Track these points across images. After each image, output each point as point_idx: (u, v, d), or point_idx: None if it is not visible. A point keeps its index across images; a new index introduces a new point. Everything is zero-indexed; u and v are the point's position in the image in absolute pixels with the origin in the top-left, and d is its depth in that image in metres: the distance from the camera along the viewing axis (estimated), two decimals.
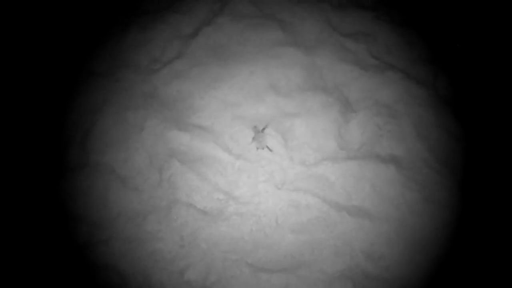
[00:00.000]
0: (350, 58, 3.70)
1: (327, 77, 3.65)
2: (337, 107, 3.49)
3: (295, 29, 3.87)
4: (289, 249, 3.30)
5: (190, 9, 3.95)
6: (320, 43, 3.82)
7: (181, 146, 3.39)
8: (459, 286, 3.11)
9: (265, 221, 3.39)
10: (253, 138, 3.51)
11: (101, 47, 3.87)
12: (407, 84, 3.66)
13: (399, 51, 3.85)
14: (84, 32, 3.88)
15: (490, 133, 3.53)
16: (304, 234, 3.34)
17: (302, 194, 3.42)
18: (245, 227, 3.38)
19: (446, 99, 3.70)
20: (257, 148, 3.50)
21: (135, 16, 3.96)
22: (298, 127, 3.60)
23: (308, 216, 3.38)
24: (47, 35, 3.83)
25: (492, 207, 3.39)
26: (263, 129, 3.54)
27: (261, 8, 3.94)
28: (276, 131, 3.56)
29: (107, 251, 3.29)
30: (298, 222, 3.37)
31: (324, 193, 3.43)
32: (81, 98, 3.65)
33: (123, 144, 3.46)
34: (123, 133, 3.46)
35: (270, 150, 3.52)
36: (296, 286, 3.15)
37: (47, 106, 3.59)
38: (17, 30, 3.80)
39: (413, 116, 3.63)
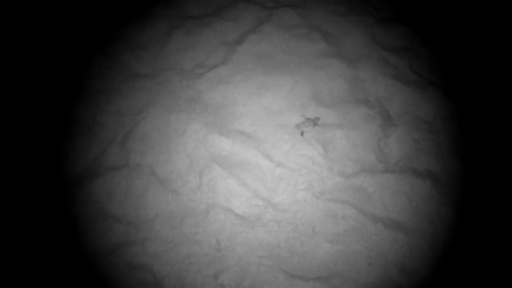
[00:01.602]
0: (392, 73, 3.88)
1: (369, 90, 3.84)
2: (378, 121, 3.67)
3: (339, 42, 4.07)
4: (324, 258, 3.42)
5: (237, 16, 4.17)
6: (364, 56, 4.01)
7: (222, 151, 3.57)
8: None
9: (302, 229, 3.50)
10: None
11: (146, 49, 4.07)
12: (447, 102, 3.69)
13: (440, 68, 3.89)
14: (128, 34, 4.05)
15: None
16: (340, 244, 3.45)
17: (340, 205, 3.55)
18: (282, 234, 3.48)
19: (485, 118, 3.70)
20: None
21: (180, 20, 4.16)
22: (338, 138, 3.78)
23: (344, 227, 3.50)
24: (91, 35, 4.02)
25: None
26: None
27: (307, 19, 4.16)
28: (317, 141, 3.72)
29: (142, 252, 3.42)
30: (334, 232, 3.48)
31: (361, 204, 3.56)
32: (124, 99, 3.86)
33: (164, 147, 3.65)
34: (165, 135, 3.67)
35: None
36: None
37: (89, 106, 3.82)
38: (62, 29, 4.01)
39: (451, 133, 3.75)
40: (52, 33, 4.12)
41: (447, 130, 3.77)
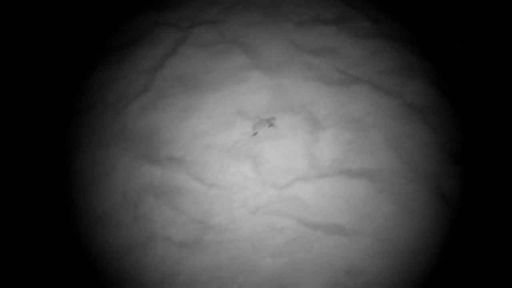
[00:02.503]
0: (315, 75, 3.91)
1: (294, 97, 3.87)
2: (305, 127, 3.67)
3: (258, 52, 4.10)
4: (269, 273, 3.39)
5: (153, 42, 4.16)
6: (285, 63, 4.04)
7: (154, 180, 3.57)
8: None
9: (243, 247, 3.48)
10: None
11: (76, 84, 4.04)
12: (374, 96, 3.73)
13: (364, 64, 3.93)
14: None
15: (463, 136, 3.63)
16: (283, 257, 3.43)
17: (277, 217, 3.54)
18: (223, 254, 3.46)
19: (416, 107, 3.72)
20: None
21: (100, 54, 4.12)
22: (268, 150, 3.78)
23: (285, 239, 3.48)
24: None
25: (472, 213, 3.55)
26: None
27: (224, 34, 4.22)
28: (246, 156, 3.74)
29: None
30: (275, 245, 3.46)
31: (299, 213, 3.55)
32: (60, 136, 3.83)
33: (98, 184, 3.50)
34: (97, 173, 3.55)
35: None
36: None
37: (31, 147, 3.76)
38: None
39: (382, 127, 3.81)
40: None
41: (378, 124, 3.81)
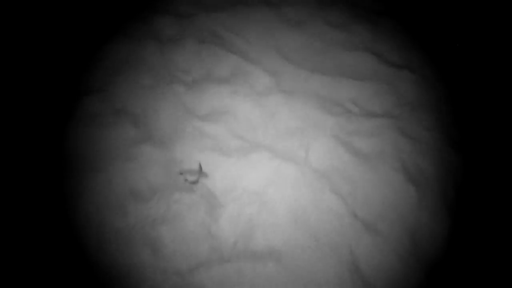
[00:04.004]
0: (211, 145, 3.75)
1: None
2: (203, 206, 3.41)
3: (149, 123, 3.79)
4: None
5: None
6: (177, 133, 3.80)
7: None
8: None
9: None
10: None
11: None
12: (276, 164, 3.55)
13: (264, 126, 3.74)
14: None
15: (379, 203, 3.48)
16: None
17: None
18: None
19: (321, 174, 3.62)
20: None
21: None
22: (166, 234, 3.63)
23: None
24: None
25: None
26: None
27: (111, 103, 3.87)
28: (143, 243, 3.46)
29: None
30: None
31: None
32: None
33: None
34: None
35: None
36: None
37: None
38: None
39: (286, 199, 3.71)
40: None
41: (281, 196, 3.64)
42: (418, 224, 3.61)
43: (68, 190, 3.71)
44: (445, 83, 4.41)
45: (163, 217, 3.65)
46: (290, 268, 3.45)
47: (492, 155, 3.96)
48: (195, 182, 3.74)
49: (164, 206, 3.68)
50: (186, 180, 3.73)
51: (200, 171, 3.77)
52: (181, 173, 3.78)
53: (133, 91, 4.16)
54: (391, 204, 3.67)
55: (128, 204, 3.71)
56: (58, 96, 4.18)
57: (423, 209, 3.68)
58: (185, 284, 3.46)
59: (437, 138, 4.02)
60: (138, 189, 3.73)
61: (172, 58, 4.44)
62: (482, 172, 3.90)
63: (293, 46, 4.68)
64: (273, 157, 3.82)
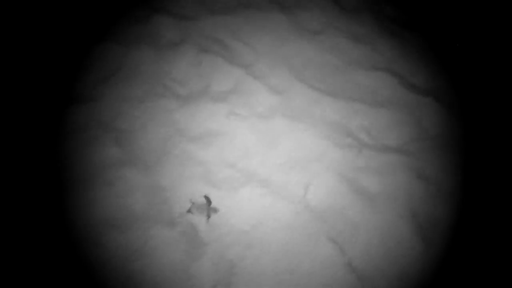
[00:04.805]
0: (199, 172, 3.37)
1: (172, 200, 3.19)
2: (183, 244, 3.06)
3: (134, 143, 3.45)
4: None
5: None
6: (164, 155, 3.49)
7: None
8: None
9: None
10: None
11: None
12: (270, 200, 3.57)
13: (260, 154, 3.39)
14: None
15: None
16: None
17: None
18: None
19: (319, 215, 3.50)
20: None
21: None
22: (140, 271, 3.36)
23: None
24: None
25: None
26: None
27: (96, 116, 3.51)
28: (117, 280, 3.33)
29: None
30: None
31: None
32: None
33: None
34: None
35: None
36: None
37: None
38: None
39: (275, 244, 3.46)
40: None
41: (268, 242, 3.47)
42: (421, 284, 3.15)
43: (42, 211, 3.42)
44: (474, 116, 3.82)
45: (139, 252, 3.40)
46: None
47: None
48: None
49: (141, 239, 3.38)
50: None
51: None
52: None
53: (122, 103, 3.83)
54: (393, 258, 3.26)
55: (103, 234, 3.45)
56: (44, 103, 3.86)
57: (428, 267, 3.21)
58: None
59: (457, 183, 3.48)
60: (115, 218, 3.49)
61: (168, 67, 4.07)
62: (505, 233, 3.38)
63: (306, 61, 4.19)
64: (266, 193, 3.46)
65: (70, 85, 3.99)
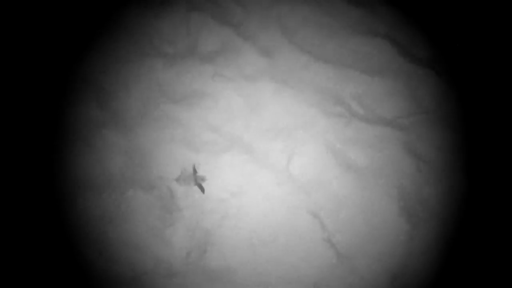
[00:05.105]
0: (180, 135, 3.50)
1: (150, 163, 3.28)
2: (158, 209, 3.10)
3: (116, 102, 3.42)
4: None
5: None
6: (146, 116, 3.57)
7: None
8: None
9: None
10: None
11: None
12: (249, 169, 3.43)
13: (245, 119, 3.27)
14: None
15: None
16: None
17: None
18: None
19: (302, 187, 3.34)
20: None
21: None
22: (112, 235, 3.37)
23: None
24: None
25: None
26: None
27: (83, 73, 3.34)
28: (89, 241, 3.33)
29: None
30: None
31: None
32: None
33: None
34: None
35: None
36: None
37: None
38: None
39: (253, 214, 3.39)
40: None
41: (246, 207, 3.41)
42: (402, 267, 3.02)
43: (19, 169, 3.34)
44: (475, 93, 3.58)
45: (115, 214, 3.33)
46: None
47: None
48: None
49: (115, 202, 3.32)
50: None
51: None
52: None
53: (107, 61, 3.60)
54: (376, 237, 3.12)
55: (79, 195, 3.39)
56: (31, 59, 3.67)
57: (412, 250, 3.05)
58: None
59: (449, 162, 3.28)
60: (92, 179, 3.42)
61: (156, 24, 3.83)
62: (496, 214, 3.20)
63: (299, 22, 3.93)
64: (248, 160, 3.33)
65: (55, 40, 3.78)
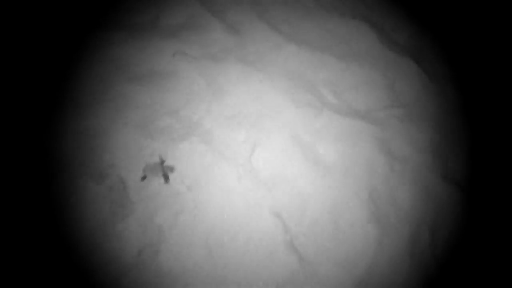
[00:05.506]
0: (135, 119, 3.18)
1: (101, 149, 2.98)
2: (109, 202, 3.00)
3: (68, 80, 3.03)
4: None
5: None
6: (99, 96, 3.19)
7: None
8: None
9: None
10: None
11: None
12: (207, 161, 3.15)
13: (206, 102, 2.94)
14: None
15: None
16: None
17: None
18: None
19: (264, 183, 3.13)
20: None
21: None
22: (62, 228, 3.01)
23: None
24: None
25: None
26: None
27: None
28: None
29: None
30: None
31: None
32: None
33: None
34: None
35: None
36: None
37: None
38: None
39: (209, 210, 3.10)
40: None
41: (202, 203, 3.11)
42: (369, 274, 2.80)
43: None
44: (458, 87, 3.30)
45: (65, 204, 3.05)
46: None
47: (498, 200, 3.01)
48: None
49: (68, 190, 3.08)
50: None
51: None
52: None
53: (56, 31, 3.21)
54: (342, 242, 2.89)
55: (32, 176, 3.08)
56: None
57: (380, 256, 2.83)
58: None
59: (426, 162, 3.03)
60: (41, 164, 3.09)
61: None
62: (474, 218, 2.99)
63: None
64: (207, 150, 3.05)
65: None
